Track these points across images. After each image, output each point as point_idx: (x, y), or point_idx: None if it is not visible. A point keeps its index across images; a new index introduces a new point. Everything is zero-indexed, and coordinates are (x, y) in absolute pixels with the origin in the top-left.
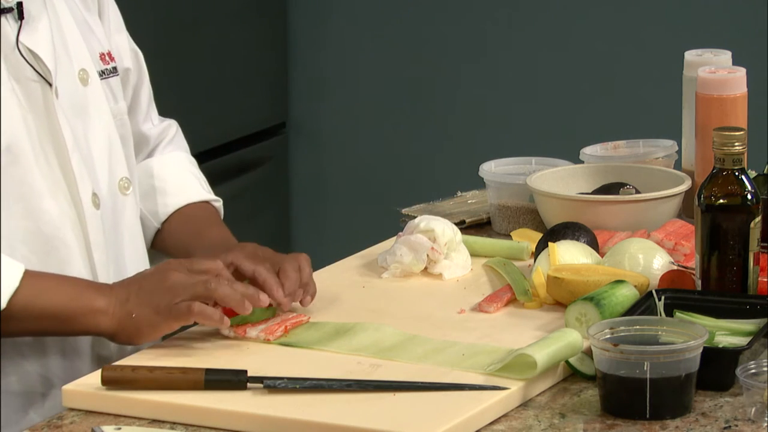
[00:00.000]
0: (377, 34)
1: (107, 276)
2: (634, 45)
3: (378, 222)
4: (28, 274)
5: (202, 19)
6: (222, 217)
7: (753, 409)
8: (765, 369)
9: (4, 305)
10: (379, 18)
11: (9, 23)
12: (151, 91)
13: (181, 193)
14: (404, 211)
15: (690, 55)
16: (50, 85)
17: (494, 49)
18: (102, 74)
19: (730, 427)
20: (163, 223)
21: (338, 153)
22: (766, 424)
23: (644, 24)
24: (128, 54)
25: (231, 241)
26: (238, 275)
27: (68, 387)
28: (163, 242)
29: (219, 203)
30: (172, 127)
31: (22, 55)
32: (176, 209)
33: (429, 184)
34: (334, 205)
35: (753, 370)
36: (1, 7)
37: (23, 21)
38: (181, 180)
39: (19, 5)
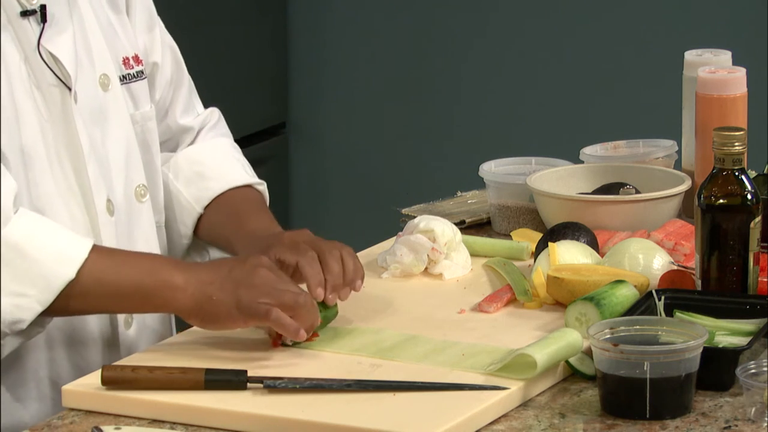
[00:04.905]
0: (377, 34)
1: None
2: (634, 45)
3: (378, 222)
4: (98, 248)
5: (202, 19)
6: (267, 199)
7: (753, 409)
8: (765, 369)
9: (73, 275)
10: (379, 18)
11: (31, 26)
12: (192, 84)
13: (222, 178)
14: (404, 211)
15: (690, 55)
16: (69, 89)
17: (494, 49)
18: (123, 79)
19: (730, 427)
20: (205, 208)
21: (338, 153)
22: (766, 424)
23: (644, 24)
24: (158, 50)
25: (272, 228)
26: (283, 268)
27: (68, 387)
28: (204, 229)
29: (263, 186)
30: (214, 114)
31: (42, 59)
32: (218, 194)
33: (429, 184)
34: (334, 205)
35: (753, 370)
36: (25, 9)
37: (45, 24)
38: (223, 164)
39: (43, 8)
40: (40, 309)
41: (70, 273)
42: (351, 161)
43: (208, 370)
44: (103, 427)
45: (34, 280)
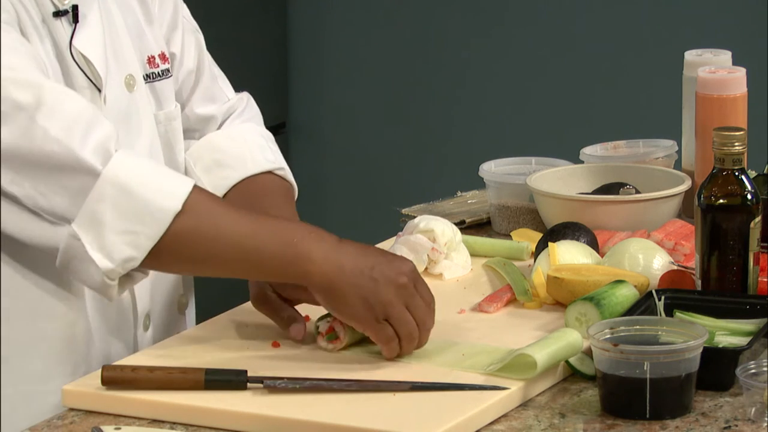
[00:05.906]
0: (377, 34)
1: (145, 288)
2: (634, 45)
3: (378, 222)
4: (200, 189)
5: (202, 19)
6: (292, 181)
7: (753, 409)
8: (765, 369)
9: (179, 207)
10: (379, 18)
11: (63, 26)
12: (214, 72)
13: (240, 166)
14: (404, 211)
15: (690, 55)
16: (99, 91)
17: (494, 49)
18: (148, 78)
19: (730, 427)
20: (224, 197)
21: (338, 153)
22: (766, 424)
23: (644, 24)
24: (178, 41)
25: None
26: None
27: (68, 387)
28: None
29: (283, 171)
30: (243, 100)
31: (74, 60)
32: (235, 183)
33: (429, 184)
34: (334, 205)
35: (753, 370)
36: (57, 9)
37: (77, 24)
38: (242, 151)
39: (75, 8)
40: (150, 244)
41: (176, 205)
42: (351, 161)
43: (208, 370)
44: (103, 427)
45: (141, 215)
